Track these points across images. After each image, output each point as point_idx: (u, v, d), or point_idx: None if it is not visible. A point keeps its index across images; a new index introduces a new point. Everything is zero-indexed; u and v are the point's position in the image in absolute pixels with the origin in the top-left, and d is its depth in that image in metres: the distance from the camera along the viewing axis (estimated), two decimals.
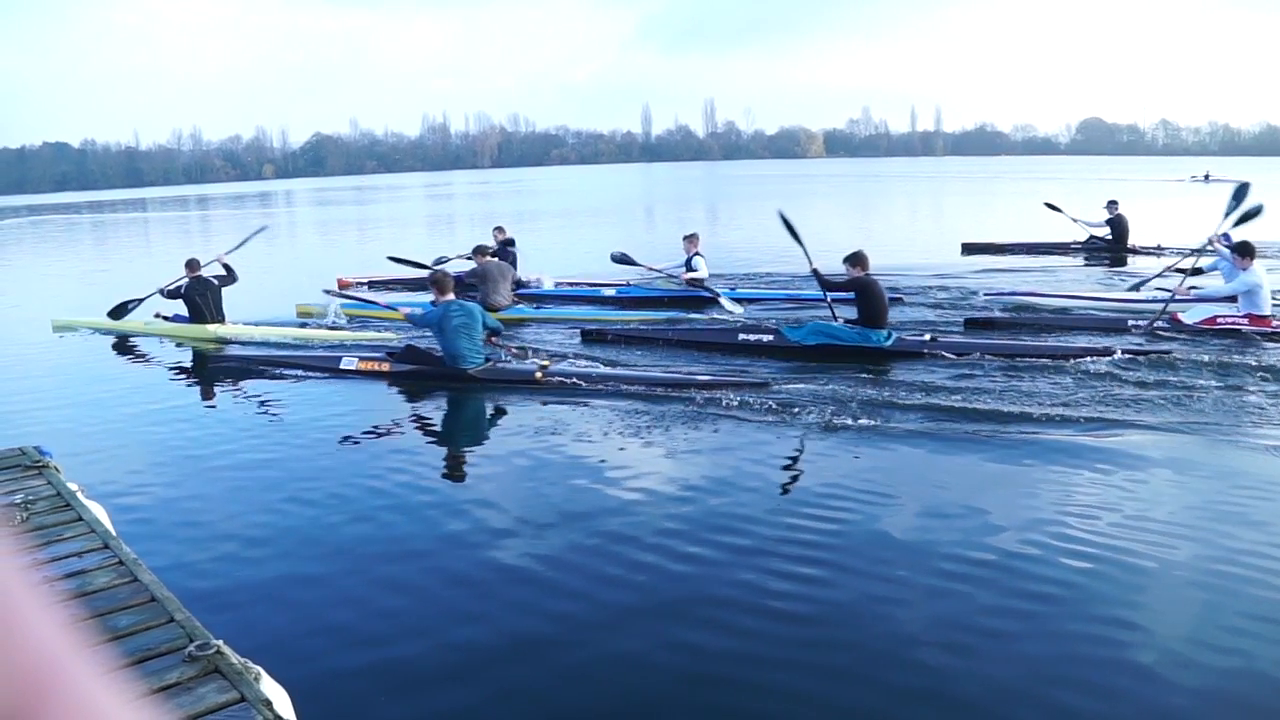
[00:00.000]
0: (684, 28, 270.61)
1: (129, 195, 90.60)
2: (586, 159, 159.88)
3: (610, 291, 12.61)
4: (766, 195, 44.73)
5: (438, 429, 7.36)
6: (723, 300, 11.38)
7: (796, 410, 6.82)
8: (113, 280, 13.23)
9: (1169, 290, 9.90)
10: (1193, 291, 10.00)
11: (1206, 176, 48.39)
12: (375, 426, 7.12)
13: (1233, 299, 9.38)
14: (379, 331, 10.56)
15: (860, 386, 7.44)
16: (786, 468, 5.91)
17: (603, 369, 8.18)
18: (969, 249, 17.46)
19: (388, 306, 10.09)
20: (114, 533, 3.93)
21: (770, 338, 8.95)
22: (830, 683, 3.44)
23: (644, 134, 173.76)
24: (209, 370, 9.41)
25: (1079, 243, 16.38)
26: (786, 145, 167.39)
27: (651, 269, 12.51)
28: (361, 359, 8.55)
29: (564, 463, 5.97)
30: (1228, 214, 9.51)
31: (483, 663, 3.62)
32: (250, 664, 2.76)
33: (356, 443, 6.73)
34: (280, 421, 7.33)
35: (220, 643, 2.82)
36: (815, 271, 8.87)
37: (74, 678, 0.36)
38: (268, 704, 2.55)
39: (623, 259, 12.37)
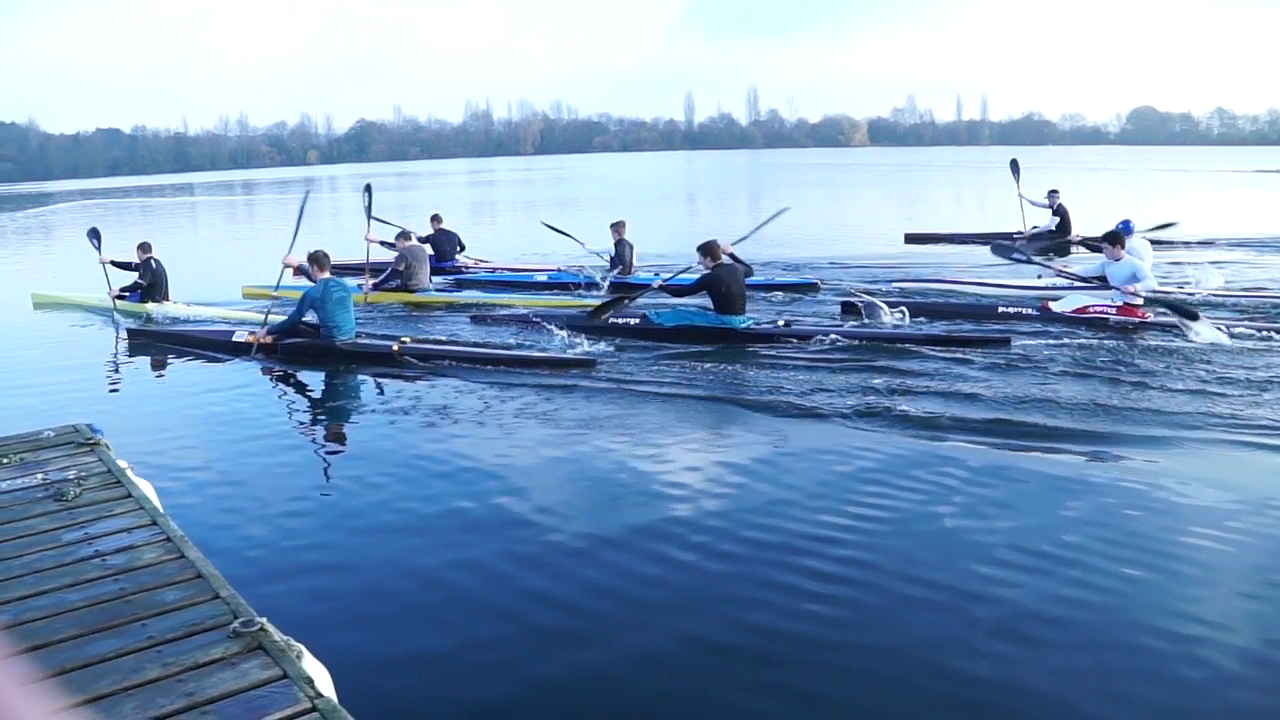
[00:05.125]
0: (729, 15, 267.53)
1: (178, 180, 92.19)
2: (629, 146, 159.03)
3: (542, 277, 13.00)
4: (809, 184, 44.37)
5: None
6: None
7: (631, 386, 7.40)
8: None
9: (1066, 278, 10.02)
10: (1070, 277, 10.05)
11: None
12: (373, 408, 7.54)
13: (1108, 286, 9.19)
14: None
15: (702, 362, 8.04)
16: (619, 441, 6.12)
17: (452, 346, 8.71)
18: (912, 239, 17.53)
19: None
20: (161, 510, 4.01)
21: (636, 320, 9.49)
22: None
23: (686, 122, 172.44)
24: (139, 348, 9.81)
25: (1022, 234, 16.28)
26: (830, 134, 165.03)
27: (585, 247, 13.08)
28: (250, 333, 9.11)
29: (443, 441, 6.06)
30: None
31: (526, 647, 3.64)
32: (293, 641, 2.79)
33: (396, 425, 6.81)
34: (286, 403, 7.61)
35: (264, 620, 2.86)
36: (663, 287, 9.65)
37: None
38: (309, 681, 2.58)
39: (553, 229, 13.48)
